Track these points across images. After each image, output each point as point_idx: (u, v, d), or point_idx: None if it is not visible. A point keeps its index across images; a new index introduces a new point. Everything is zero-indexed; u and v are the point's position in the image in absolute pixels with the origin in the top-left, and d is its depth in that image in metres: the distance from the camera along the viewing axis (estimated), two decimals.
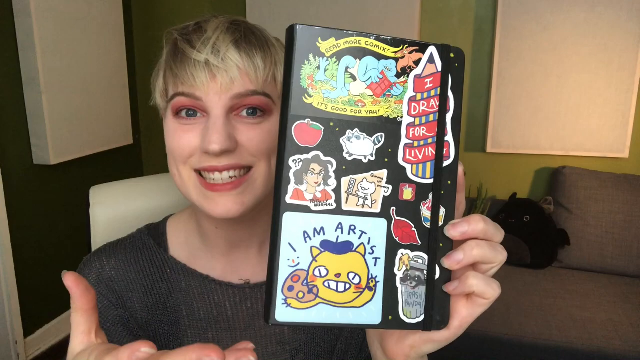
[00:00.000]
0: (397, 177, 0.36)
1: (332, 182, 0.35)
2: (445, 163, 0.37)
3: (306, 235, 0.34)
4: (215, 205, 0.54)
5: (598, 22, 2.20)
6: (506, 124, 2.37)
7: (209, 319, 0.63)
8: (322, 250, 0.34)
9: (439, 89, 0.36)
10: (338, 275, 0.35)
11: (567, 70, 2.26)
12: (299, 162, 0.34)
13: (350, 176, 0.35)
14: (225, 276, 0.64)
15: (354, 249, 0.35)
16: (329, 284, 0.34)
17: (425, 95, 0.36)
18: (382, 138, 0.36)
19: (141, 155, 2.93)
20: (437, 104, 0.37)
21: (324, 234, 0.34)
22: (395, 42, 0.35)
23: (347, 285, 0.35)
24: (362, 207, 0.35)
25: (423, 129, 0.36)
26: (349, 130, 0.35)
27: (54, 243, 2.31)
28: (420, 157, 0.36)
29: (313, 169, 0.34)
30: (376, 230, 0.36)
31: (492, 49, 2.34)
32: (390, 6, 2.37)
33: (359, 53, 0.35)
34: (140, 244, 0.65)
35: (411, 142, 0.36)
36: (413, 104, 0.36)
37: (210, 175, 0.54)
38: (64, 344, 2.30)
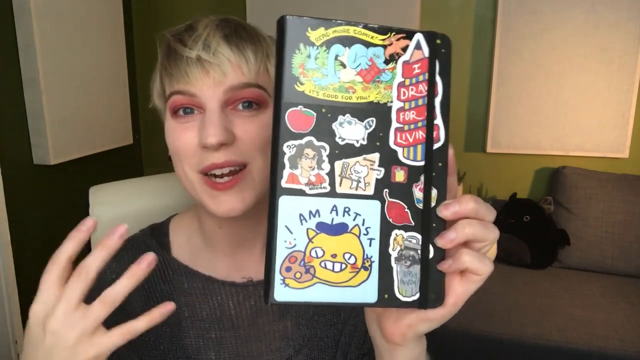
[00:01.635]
0: (389, 160, 0.37)
1: (326, 166, 0.35)
2: (436, 146, 0.38)
3: (302, 218, 0.35)
4: (219, 204, 0.55)
5: (598, 23, 2.19)
6: (506, 124, 2.37)
7: (212, 319, 0.63)
8: (318, 231, 0.35)
9: (426, 74, 0.37)
10: (334, 255, 0.35)
11: (567, 70, 2.26)
12: (292, 148, 0.35)
13: (344, 160, 0.36)
14: (229, 275, 0.64)
15: (349, 230, 0.36)
16: (325, 264, 0.35)
17: (414, 80, 0.37)
18: (373, 122, 0.36)
19: (141, 155, 2.93)
20: (426, 88, 0.37)
21: (319, 216, 0.35)
22: (382, 30, 0.36)
23: (343, 265, 0.36)
24: (356, 189, 0.36)
25: (413, 113, 0.37)
26: (340, 116, 0.36)
27: (54, 243, 2.30)
28: (411, 140, 0.37)
29: (307, 153, 0.35)
30: (370, 212, 0.36)
31: (492, 49, 2.34)
32: (390, 6, 2.37)
33: (348, 41, 0.36)
34: (143, 246, 0.65)
35: (401, 126, 0.37)
36: (402, 89, 0.37)
37: (211, 172, 0.54)
38: None
